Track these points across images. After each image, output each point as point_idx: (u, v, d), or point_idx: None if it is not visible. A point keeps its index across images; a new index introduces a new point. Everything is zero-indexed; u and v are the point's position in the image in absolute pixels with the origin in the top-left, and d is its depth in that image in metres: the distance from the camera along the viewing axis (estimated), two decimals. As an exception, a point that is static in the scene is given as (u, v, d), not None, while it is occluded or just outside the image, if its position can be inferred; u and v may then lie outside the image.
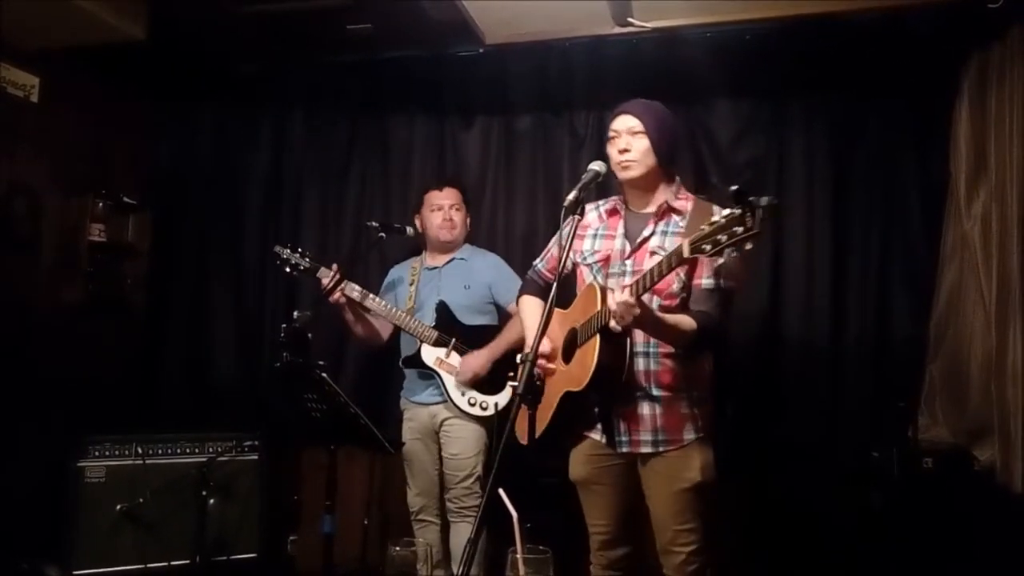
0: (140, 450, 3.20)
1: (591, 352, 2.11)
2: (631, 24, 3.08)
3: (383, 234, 3.24)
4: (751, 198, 1.67)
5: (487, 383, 3.05)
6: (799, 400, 3.14)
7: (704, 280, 2.17)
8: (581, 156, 3.41)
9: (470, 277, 3.17)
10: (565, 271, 2.42)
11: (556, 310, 2.39)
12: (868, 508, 2.94)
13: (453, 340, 3.08)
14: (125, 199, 3.75)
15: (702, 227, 1.79)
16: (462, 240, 3.24)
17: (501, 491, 1.50)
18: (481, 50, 3.39)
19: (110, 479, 3.13)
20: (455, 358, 3.07)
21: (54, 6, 2.91)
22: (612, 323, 2.03)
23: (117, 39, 3.14)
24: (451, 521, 3.13)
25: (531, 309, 2.53)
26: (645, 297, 2.07)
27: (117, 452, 3.16)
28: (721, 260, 1.84)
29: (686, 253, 1.84)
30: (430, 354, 3.09)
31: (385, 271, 3.57)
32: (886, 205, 3.14)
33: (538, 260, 2.60)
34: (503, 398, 3.04)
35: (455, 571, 3.03)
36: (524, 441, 2.29)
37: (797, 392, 3.15)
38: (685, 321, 2.14)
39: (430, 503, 3.17)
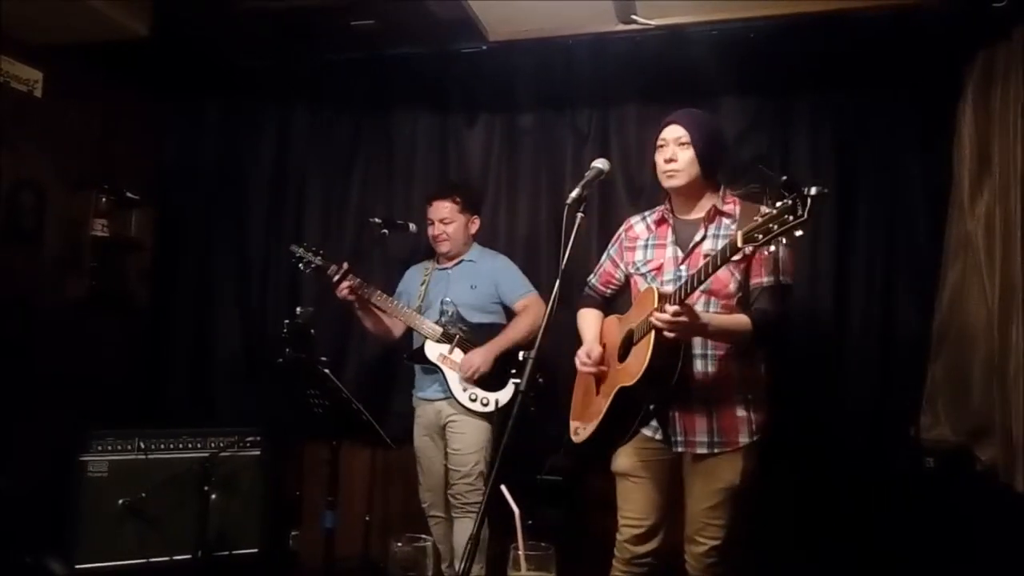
0: (142, 445, 3.22)
1: (646, 347, 2.14)
2: (635, 21, 3.07)
3: (386, 230, 3.27)
4: (803, 188, 1.74)
5: (489, 380, 3.07)
6: (800, 399, 3.13)
7: (765, 278, 2.22)
8: (584, 154, 3.41)
9: (477, 277, 3.20)
10: (604, 274, 2.55)
11: (614, 316, 2.47)
12: (870, 507, 2.94)
13: (457, 336, 3.11)
14: (128, 194, 3.75)
15: (755, 218, 1.83)
16: (463, 246, 3.25)
17: (503, 487, 1.51)
18: (484, 47, 3.38)
19: (112, 474, 3.14)
20: (458, 354, 3.10)
21: (58, 2, 2.91)
22: (666, 333, 2.07)
23: (121, 35, 3.14)
24: (453, 516, 3.14)
25: (587, 319, 2.58)
26: (702, 302, 2.15)
27: (119, 447, 3.18)
28: (781, 252, 1.86)
29: (740, 243, 1.87)
30: (433, 350, 3.13)
31: (388, 267, 3.58)
32: (889, 204, 3.13)
33: (592, 276, 2.64)
34: (504, 395, 3.07)
35: (457, 567, 3.04)
36: (577, 439, 2.30)
37: (798, 391, 3.14)
38: (739, 321, 2.18)
39: (439, 500, 3.20)
